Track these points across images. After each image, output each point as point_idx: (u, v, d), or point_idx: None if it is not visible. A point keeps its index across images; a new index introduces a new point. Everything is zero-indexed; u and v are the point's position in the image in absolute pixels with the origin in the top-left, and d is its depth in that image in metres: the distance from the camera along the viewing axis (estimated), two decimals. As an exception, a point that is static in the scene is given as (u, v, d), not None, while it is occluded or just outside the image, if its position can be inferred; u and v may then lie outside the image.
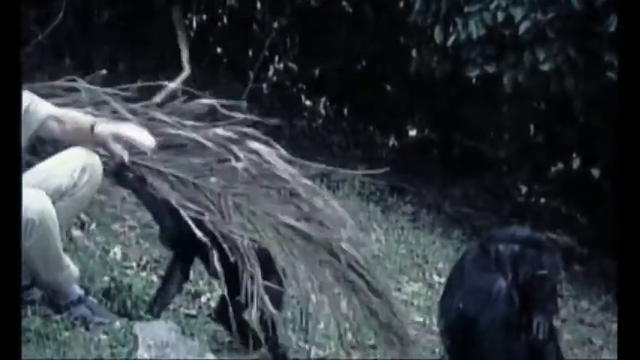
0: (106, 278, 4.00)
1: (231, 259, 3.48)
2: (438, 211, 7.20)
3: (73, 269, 3.56)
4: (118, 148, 3.39)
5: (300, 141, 7.68)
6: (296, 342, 3.96)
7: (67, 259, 3.52)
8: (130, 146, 3.40)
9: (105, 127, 3.39)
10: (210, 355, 3.30)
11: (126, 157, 3.40)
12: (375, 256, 5.52)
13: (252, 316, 3.40)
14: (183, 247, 3.62)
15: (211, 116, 3.90)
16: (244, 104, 4.16)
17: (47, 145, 3.73)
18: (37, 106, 3.37)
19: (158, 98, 3.98)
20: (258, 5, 8.30)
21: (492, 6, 6.01)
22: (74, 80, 3.77)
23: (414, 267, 5.64)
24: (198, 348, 3.26)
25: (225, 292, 3.52)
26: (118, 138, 3.39)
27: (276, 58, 8.56)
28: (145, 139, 3.39)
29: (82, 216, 4.43)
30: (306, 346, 3.95)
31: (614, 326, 5.82)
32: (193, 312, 4.00)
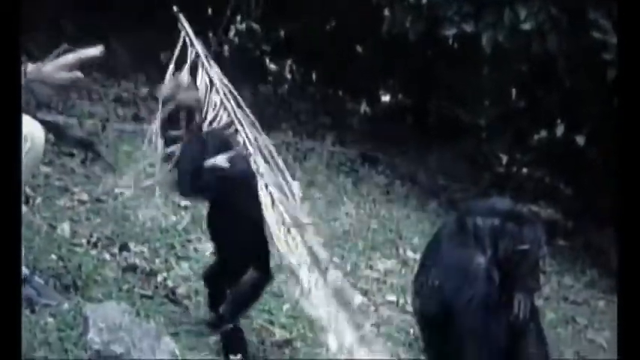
0: (53, 257, 3.98)
1: None
2: (412, 183, 7.22)
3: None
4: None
5: (264, 108, 7.66)
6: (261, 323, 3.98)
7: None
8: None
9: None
10: (168, 339, 3.30)
11: None
12: (345, 232, 5.53)
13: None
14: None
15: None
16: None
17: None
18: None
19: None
20: (218, -40, 8.22)
21: (469, -40, 6.01)
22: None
23: (387, 243, 5.67)
24: (154, 331, 3.25)
25: None
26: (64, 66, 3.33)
27: (238, 18, 8.50)
28: (90, 50, 3.35)
29: (26, 189, 4.39)
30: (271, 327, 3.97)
31: (600, 303, 5.91)
32: (149, 292, 3.99)
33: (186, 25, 3.87)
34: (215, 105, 3.84)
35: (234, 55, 8.41)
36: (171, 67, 3.75)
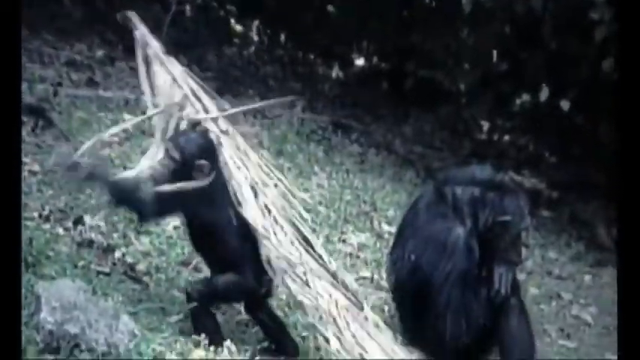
0: (2, 232, 3.93)
1: None
2: (388, 151, 7.23)
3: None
4: None
5: (229, 72, 7.61)
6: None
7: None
8: None
9: None
10: (126, 318, 3.29)
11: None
12: (317, 203, 5.54)
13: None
14: None
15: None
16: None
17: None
18: None
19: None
20: None
21: None
22: None
23: (361, 215, 5.68)
24: (112, 310, 3.24)
25: None
26: None
27: (201, -26, 8.42)
28: None
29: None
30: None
31: (586, 278, 5.98)
32: (106, 269, 3.98)
33: (140, 26, 3.84)
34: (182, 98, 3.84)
35: (196, 15, 8.34)
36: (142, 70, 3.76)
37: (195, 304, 3.56)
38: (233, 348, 3.46)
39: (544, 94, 6.77)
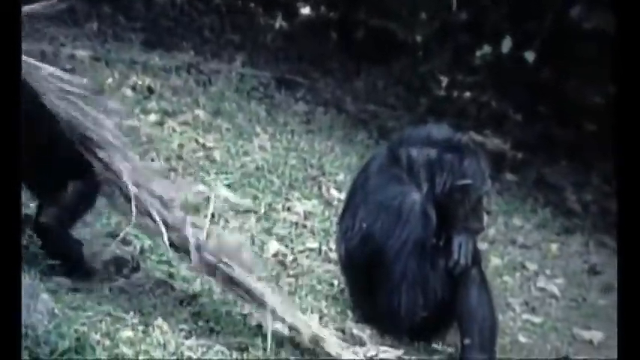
0: None
1: None
2: (337, 110, 7.23)
3: None
4: None
5: (160, 23, 7.53)
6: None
7: None
8: None
9: None
10: (45, 296, 3.27)
11: None
12: (258, 168, 5.53)
13: None
14: None
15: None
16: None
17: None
18: None
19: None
20: None
21: None
22: None
23: (308, 180, 5.68)
24: (29, 288, 3.21)
25: None
26: None
27: None
28: None
29: None
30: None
31: (553, 247, 6.06)
32: (23, 241, 3.94)
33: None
34: None
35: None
36: None
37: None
38: (165, 327, 3.46)
39: (507, 45, 6.80)
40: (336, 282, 4.50)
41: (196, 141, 5.63)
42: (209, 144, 5.64)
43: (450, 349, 4.17)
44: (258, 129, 6.20)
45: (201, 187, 5.06)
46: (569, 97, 7.87)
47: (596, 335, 4.90)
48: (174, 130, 5.69)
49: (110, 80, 6.02)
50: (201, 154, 5.48)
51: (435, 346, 4.21)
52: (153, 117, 5.72)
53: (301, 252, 4.86)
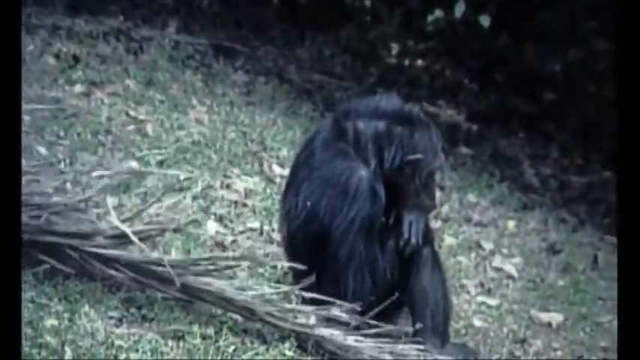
0: None
1: None
2: (280, 80, 7.22)
3: None
4: None
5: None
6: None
7: None
8: None
9: None
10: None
11: None
12: (194, 143, 5.51)
13: None
14: None
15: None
16: None
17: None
18: None
19: None
20: None
21: None
22: None
23: (248, 155, 5.68)
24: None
25: None
26: None
27: None
28: None
29: None
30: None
31: (510, 224, 6.12)
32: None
33: None
34: None
35: None
36: None
37: None
38: (93, 314, 3.45)
39: (460, 9, 6.81)
40: (279, 265, 4.50)
41: (127, 114, 5.60)
42: (141, 117, 5.61)
43: (402, 334, 4.18)
44: (194, 101, 6.18)
45: (132, 164, 5.03)
46: (527, 65, 7.92)
47: (555, 317, 4.95)
48: (102, 102, 5.65)
49: (31, 48, 5.96)
50: (132, 127, 5.45)
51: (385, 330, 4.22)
52: (79, 87, 5.67)
53: (241, 233, 4.86)
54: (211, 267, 3.87)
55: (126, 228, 3.78)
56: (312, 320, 3.88)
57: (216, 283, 3.83)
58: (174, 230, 3.95)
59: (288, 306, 3.91)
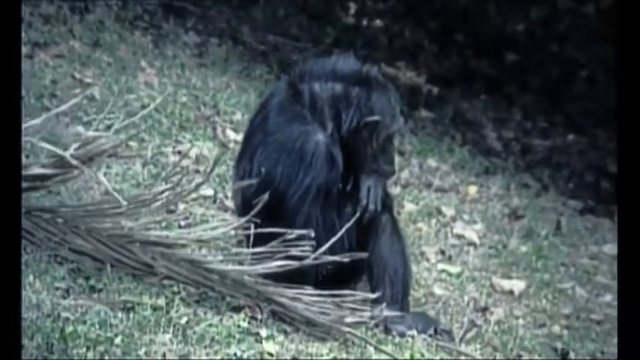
0: None
1: None
2: (233, 41, 7.19)
3: None
4: None
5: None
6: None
7: None
8: None
9: None
10: None
11: None
12: (144, 106, 5.48)
13: None
14: None
15: None
16: None
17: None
18: None
19: None
20: None
21: None
22: None
23: (200, 120, 5.66)
24: None
25: None
26: None
27: None
28: None
29: None
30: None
31: (471, 190, 6.15)
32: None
33: None
34: None
35: None
36: None
37: None
38: (38, 285, 3.44)
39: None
40: (233, 233, 4.49)
41: (72, 76, 5.55)
42: (87, 80, 5.57)
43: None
44: (143, 63, 6.14)
45: (79, 129, 4.99)
46: (489, 25, 7.94)
47: (518, 285, 4.99)
48: (46, 65, 5.60)
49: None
50: (78, 91, 5.40)
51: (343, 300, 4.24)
52: (21, 49, 5.60)
53: (194, 200, 4.84)
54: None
55: (62, 151, 3.75)
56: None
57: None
58: (110, 155, 3.92)
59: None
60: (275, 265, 3.91)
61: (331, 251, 4.10)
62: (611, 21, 7.40)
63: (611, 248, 5.81)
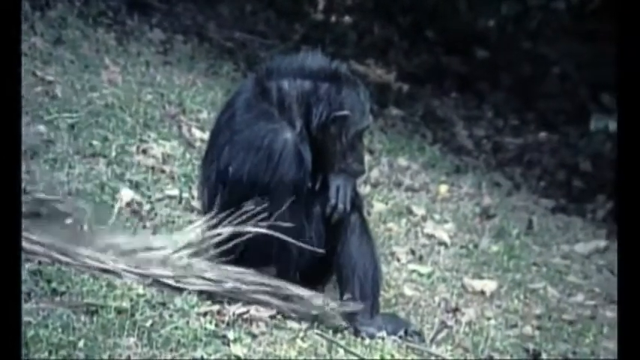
0: None
1: None
2: (199, 38, 7.19)
3: None
4: None
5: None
6: None
7: None
8: None
9: None
10: None
11: None
12: (107, 105, 5.46)
13: None
14: None
15: None
16: None
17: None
18: None
19: None
20: None
21: None
22: None
23: (166, 119, 5.65)
24: None
25: None
26: None
27: None
28: None
29: None
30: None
31: (442, 189, 6.17)
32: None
33: None
34: None
35: None
36: None
37: None
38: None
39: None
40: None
41: (34, 74, 5.52)
42: (49, 77, 5.54)
43: (330, 306, 4.19)
44: (107, 60, 6.11)
45: (40, 128, 4.97)
46: (460, 21, 7.97)
47: (489, 285, 5.00)
48: (7, 62, 5.56)
49: None
50: (39, 89, 5.37)
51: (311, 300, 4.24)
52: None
53: (159, 200, 4.84)
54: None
55: None
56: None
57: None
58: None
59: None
60: (226, 230, 3.92)
61: (299, 253, 4.11)
62: (583, 17, 7.46)
63: (583, 247, 5.85)
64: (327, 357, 3.82)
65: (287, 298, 4.01)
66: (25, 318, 3.44)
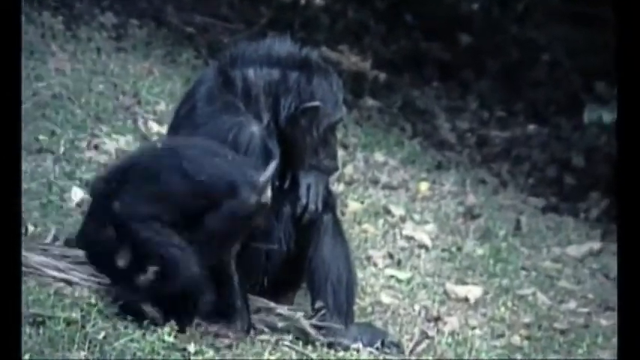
0: None
1: None
2: (156, 23, 7.17)
3: None
4: None
5: None
6: None
7: None
8: None
9: None
10: None
11: None
12: (55, 96, 5.45)
13: None
14: None
15: None
16: None
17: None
18: None
19: None
20: None
21: None
22: None
23: (120, 110, 5.65)
24: None
25: None
26: None
27: None
28: None
29: None
30: None
31: (422, 186, 6.19)
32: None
33: None
34: None
35: None
36: None
37: None
38: None
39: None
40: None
41: (-27, 62, 5.51)
42: (-9, 66, 5.52)
43: (299, 314, 4.21)
44: (54, 47, 6.10)
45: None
46: (441, 4, 7.99)
47: (473, 291, 5.03)
48: (-56, 49, 5.54)
49: None
50: (-19, 79, 5.36)
51: (280, 311, 4.24)
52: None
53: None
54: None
55: None
56: None
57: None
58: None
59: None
60: None
61: (268, 257, 4.11)
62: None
63: (575, 250, 5.88)
64: (297, 370, 3.84)
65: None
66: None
